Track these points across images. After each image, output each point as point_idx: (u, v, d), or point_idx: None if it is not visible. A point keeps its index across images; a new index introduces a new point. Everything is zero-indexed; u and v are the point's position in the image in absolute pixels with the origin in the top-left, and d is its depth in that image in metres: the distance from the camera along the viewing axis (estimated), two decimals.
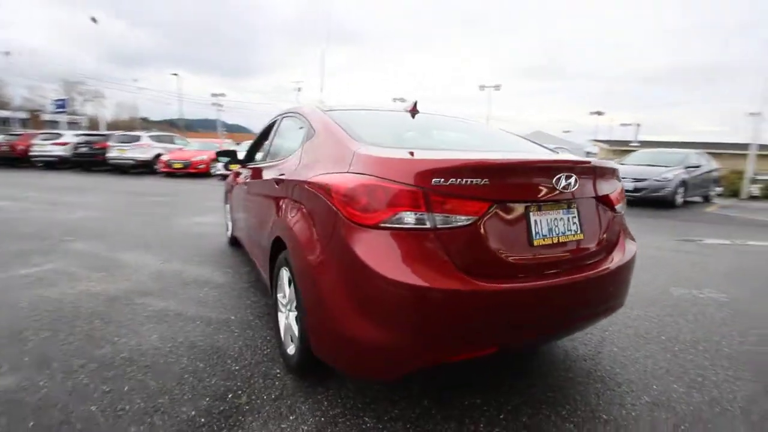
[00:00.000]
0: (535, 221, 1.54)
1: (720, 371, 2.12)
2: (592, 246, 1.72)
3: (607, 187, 1.80)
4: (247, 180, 3.01)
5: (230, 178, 4.22)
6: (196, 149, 15.20)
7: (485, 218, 1.42)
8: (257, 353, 2.16)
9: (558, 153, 2.17)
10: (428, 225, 1.36)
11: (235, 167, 3.92)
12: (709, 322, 2.76)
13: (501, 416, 1.70)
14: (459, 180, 1.38)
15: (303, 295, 1.68)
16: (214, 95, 39.33)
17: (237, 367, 2.02)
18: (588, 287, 1.63)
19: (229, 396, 1.79)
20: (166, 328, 2.41)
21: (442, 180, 1.37)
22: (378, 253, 1.36)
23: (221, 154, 3.78)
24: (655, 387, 1.96)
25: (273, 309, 2.26)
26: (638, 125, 41.48)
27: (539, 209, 1.56)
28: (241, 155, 3.78)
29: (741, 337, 2.53)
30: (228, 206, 4.37)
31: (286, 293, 2.02)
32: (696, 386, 1.97)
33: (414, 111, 2.51)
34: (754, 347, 2.41)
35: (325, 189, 1.57)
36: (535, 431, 1.62)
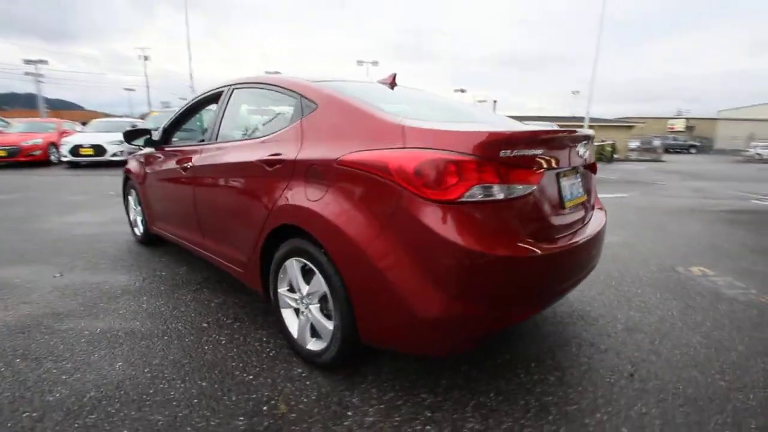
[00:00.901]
0: (563, 186, 1.70)
1: (651, 296, 2.70)
2: (590, 206, 1.99)
3: (591, 155, 2.07)
4: (190, 164, 2.53)
5: (136, 164, 3.48)
6: (23, 131, 11.98)
7: (538, 186, 1.51)
8: (264, 358, 1.93)
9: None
10: (501, 196, 1.38)
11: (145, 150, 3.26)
12: (622, 259, 3.46)
13: (532, 364, 1.89)
14: (522, 151, 1.43)
15: (349, 281, 1.54)
16: (29, 62, 30.92)
17: (250, 377, 1.77)
18: (595, 243, 1.88)
19: (264, 408, 1.57)
20: (128, 351, 1.95)
21: (509, 152, 1.39)
22: (459, 228, 1.33)
23: (131, 135, 3.10)
24: (619, 316, 2.39)
25: (274, 307, 2.02)
26: (495, 101, 47.06)
27: (565, 175, 1.72)
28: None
29: (647, 268, 3.24)
30: (134, 198, 3.63)
31: (300, 286, 1.83)
32: (644, 309, 2.48)
33: (393, 84, 2.44)
34: (661, 274, 3.12)
35: (379, 167, 1.44)
36: (565, 369, 1.85)
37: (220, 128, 2.46)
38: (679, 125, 45.32)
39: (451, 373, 1.81)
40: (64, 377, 1.74)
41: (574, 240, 1.69)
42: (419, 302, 1.39)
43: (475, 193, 1.35)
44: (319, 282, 1.71)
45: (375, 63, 30.81)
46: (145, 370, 1.80)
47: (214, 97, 2.64)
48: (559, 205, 1.66)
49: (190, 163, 2.54)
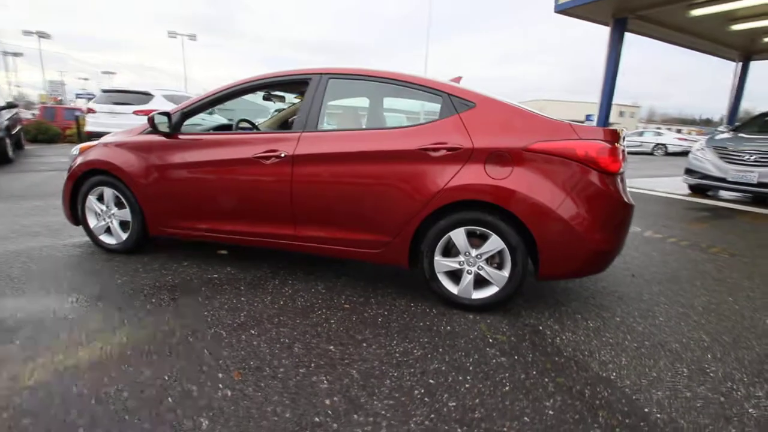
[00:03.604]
0: None
1: None
2: None
3: None
4: (282, 153, 2.44)
5: (122, 156, 2.83)
6: None
7: None
8: (434, 314, 2.29)
9: None
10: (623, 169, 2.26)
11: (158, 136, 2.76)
12: None
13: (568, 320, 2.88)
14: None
15: (538, 234, 2.13)
16: None
17: (450, 328, 2.15)
18: None
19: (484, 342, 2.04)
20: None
21: (623, 141, 2.28)
22: (622, 190, 2.16)
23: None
24: None
25: (429, 274, 2.36)
26: None
27: None
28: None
29: None
30: (110, 198, 2.92)
31: (468, 250, 2.27)
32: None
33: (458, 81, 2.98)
34: None
35: (568, 152, 2.09)
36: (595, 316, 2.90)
37: (319, 117, 2.50)
38: None
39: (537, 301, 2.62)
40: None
41: None
42: (595, 241, 2.14)
43: (623, 167, 2.19)
44: (495, 242, 2.23)
45: (192, 37, 26.77)
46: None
47: (277, 84, 2.58)
48: None
49: (284, 152, 2.46)
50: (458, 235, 2.28)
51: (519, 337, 2.09)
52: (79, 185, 3.01)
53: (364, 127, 2.48)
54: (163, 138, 2.78)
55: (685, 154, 15.12)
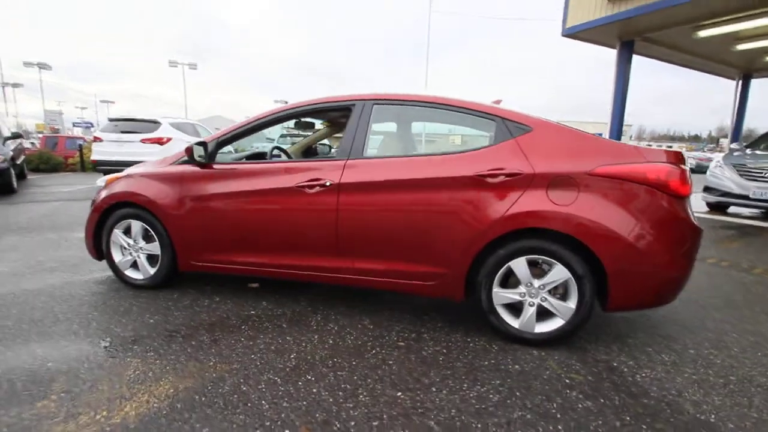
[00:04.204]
0: None
1: None
2: None
3: None
4: (327, 181, 2.34)
5: (154, 187, 2.71)
6: None
7: None
8: (496, 350, 2.13)
9: None
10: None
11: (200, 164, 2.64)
12: None
13: None
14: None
15: (609, 262, 1.99)
16: None
17: (506, 366, 1.99)
18: None
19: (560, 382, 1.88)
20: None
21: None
22: (691, 213, 2.04)
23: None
24: None
25: (487, 307, 2.21)
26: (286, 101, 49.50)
27: None
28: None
29: None
30: (138, 231, 2.78)
31: (531, 280, 2.13)
32: None
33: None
34: None
35: (638, 176, 1.99)
36: None
37: (365, 144, 2.40)
38: None
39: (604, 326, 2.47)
40: None
41: None
42: (668, 268, 2.01)
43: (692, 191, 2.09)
44: (559, 272, 2.09)
45: (193, 66, 27.15)
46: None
47: (317, 111, 2.50)
48: None
49: (329, 180, 2.35)
50: (519, 265, 2.15)
51: (596, 376, 1.93)
52: (104, 218, 2.87)
53: (411, 153, 2.38)
54: (197, 168, 2.66)
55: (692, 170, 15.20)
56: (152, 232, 2.77)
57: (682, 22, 6.04)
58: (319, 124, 3.82)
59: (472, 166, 2.19)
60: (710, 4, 5.42)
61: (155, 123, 8.85)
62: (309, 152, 3.89)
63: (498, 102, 2.92)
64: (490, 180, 2.15)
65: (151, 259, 2.84)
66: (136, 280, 2.86)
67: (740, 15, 5.63)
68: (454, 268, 2.23)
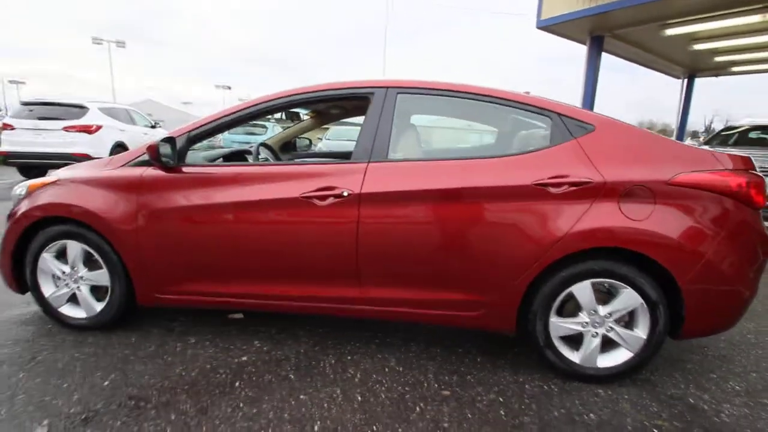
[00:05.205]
0: None
1: None
2: None
3: None
4: (345, 191, 1.83)
5: (102, 199, 2.02)
6: None
7: None
8: (551, 391, 1.79)
9: None
10: None
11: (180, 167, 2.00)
12: None
13: None
14: None
15: (688, 286, 1.70)
16: None
17: (564, 411, 1.66)
18: None
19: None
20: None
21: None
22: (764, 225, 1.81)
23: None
24: None
25: (543, 341, 1.85)
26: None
27: None
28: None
29: None
30: (78, 256, 2.09)
31: (595, 307, 1.80)
32: None
33: None
34: None
35: (720, 186, 1.69)
36: None
37: (390, 143, 1.91)
38: None
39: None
40: None
41: None
42: (745, 287, 1.77)
43: None
44: (630, 297, 1.78)
45: (121, 44, 23.96)
46: None
47: (322, 100, 1.98)
48: None
49: (346, 190, 1.84)
50: (583, 290, 1.80)
51: (679, 419, 1.65)
52: (26, 238, 2.13)
53: (445, 156, 1.95)
54: (160, 171, 2.02)
55: None
56: (97, 257, 2.08)
57: (654, 19, 6.10)
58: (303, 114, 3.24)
59: (528, 173, 1.79)
60: (684, 2, 5.49)
61: (81, 108, 7.56)
62: (287, 148, 3.30)
63: (527, 94, 2.56)
64: (552, 190, 1.76)
65: (97, 291, 2.16)
66: (77, 319, 2.16)
67: (706, 15, 5.79)
68: (505, 294, 1.84)
